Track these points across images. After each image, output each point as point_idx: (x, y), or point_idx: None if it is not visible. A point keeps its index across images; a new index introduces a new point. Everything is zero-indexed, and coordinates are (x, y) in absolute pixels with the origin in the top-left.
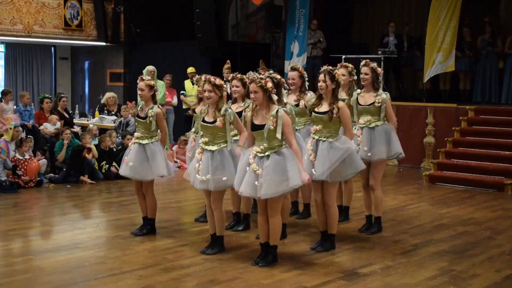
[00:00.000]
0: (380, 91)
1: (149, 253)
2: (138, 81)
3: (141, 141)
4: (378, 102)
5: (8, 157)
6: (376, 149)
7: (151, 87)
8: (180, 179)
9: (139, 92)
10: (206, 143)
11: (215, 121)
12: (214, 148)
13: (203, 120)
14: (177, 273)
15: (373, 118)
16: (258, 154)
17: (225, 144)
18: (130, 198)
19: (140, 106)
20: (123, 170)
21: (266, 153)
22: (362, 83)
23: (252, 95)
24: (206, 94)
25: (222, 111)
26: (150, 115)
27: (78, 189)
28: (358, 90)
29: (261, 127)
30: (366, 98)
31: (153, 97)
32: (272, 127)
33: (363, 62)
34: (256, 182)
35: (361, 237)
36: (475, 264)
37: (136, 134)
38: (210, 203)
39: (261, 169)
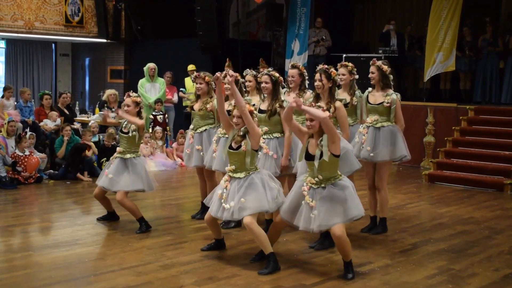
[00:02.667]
0: (391, 91)
1: (148, 250)
2: (124, 97)
3: (123, 156)
4: (388, 103)
5: (7, 153)
6: (379, 150)
7: (137, 104)
8: (179, 176)
9: (125, 108)
10: (233, 171)
11: (239, 147)
12: (242, 175)
13: (230, 147)
14: (176, 270)
15: (380, 118)
16: (313, 185)
17: (254, 171)
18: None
19: (124, 121)
20: (102, 182)
21: (322, 185)
22: (371, 82)
23: (308, 123)
24: (235, 120)
25: (242, 132)
26: (132, 129)
27: (78, 186)
28: (370, 88)
29: (313, 157)
30: (376, 97)
31: (139, 114)
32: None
33: (371, 62)
34: (311, 214)
35: (360, 236)
36: (474, 263)
37: (118, 148)
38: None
39: (315, 201)
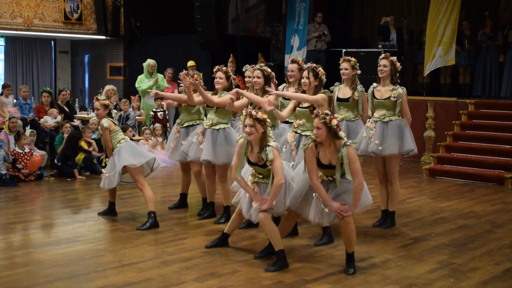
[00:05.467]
0: (397, 85)
1: (149, 246)
2: (93, 101)
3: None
4: (394, 97)
5: (9, 149)
6: (387, 144)
7: (105, 107)
8: (180, 172)
9: (95, 112)
10: (260, 178)
11: (264, 165)
12: (270, 181)
13: (250, 162)
14: (177, 266)
15: (388, 112)
16: (324, 179)
17: None
18: (129, 191)
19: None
20: (105, 184)
21: (334, 180)
22: (380, 75)
23: (314, 131)
24: (247, 129)
25: (263, 155)
26: (99, 129)
27: (78, 183)
28: (375, 84)
29: (331, 167)
30: (382, 92)
31: (109, 115)
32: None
33: (382, 55)
34: (326, 209)
35: (361, 231)
36: (475, 258)
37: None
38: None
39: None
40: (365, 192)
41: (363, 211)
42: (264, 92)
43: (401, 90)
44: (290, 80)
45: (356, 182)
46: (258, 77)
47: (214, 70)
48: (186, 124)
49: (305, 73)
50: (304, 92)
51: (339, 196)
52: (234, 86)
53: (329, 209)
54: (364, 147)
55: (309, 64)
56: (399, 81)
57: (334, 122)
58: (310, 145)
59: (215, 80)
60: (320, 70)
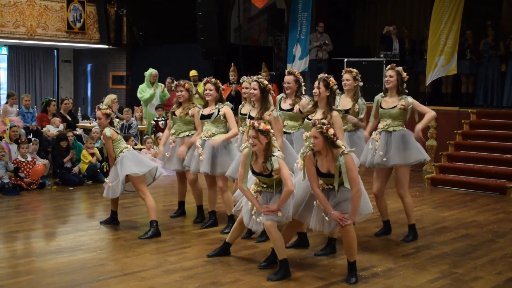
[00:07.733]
0: (404, 95)
1: (151, 255)
2: (95, 110)
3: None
4: (403, 105)
5: (10, 158)
6: (391, 154)
7: (107, 116)
8: None
9: (97, 121)
10: (264, 188)
11: (269, 174)
12: (273, 190)
13: (254, 171)
14: (179, 275)
15: (392, 122)
16: (325, 187)
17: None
18: (131, 200)
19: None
20: (108, 193)
21: (334, 188)
22: (387, 86)
23: (312, 140)
24: (251, 141)
25: (268, 164)
26: (101, 139)
27: (80, 191)
28: (382, 94)
29: (330, 175)
30: (389, 102)
31: (111, 124)
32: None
33: (389, 66)
34: (326, 218)
35: (363, 240)
36: (477, 267)
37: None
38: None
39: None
40: (366, 200)
41: (364, 220)
42: (262, 105)
43: (410, 99)
44: (287, 91)
45: (354, 190)
46: (255, 89)
47: (203, 82)
48: (182, 135)
49: (316, 83)
50: (316, 103)
51: (339, 205)
52: (229, 95)
53: (329, 218)
54: (370, 159)
55: (321, 75)
56: (406, 91)
57: (331, 131)
58: (308, 154)
59: (205, 92)
60: (331, 80)
